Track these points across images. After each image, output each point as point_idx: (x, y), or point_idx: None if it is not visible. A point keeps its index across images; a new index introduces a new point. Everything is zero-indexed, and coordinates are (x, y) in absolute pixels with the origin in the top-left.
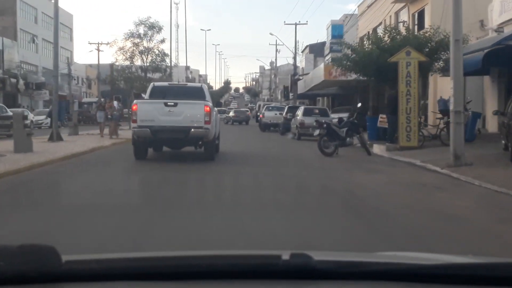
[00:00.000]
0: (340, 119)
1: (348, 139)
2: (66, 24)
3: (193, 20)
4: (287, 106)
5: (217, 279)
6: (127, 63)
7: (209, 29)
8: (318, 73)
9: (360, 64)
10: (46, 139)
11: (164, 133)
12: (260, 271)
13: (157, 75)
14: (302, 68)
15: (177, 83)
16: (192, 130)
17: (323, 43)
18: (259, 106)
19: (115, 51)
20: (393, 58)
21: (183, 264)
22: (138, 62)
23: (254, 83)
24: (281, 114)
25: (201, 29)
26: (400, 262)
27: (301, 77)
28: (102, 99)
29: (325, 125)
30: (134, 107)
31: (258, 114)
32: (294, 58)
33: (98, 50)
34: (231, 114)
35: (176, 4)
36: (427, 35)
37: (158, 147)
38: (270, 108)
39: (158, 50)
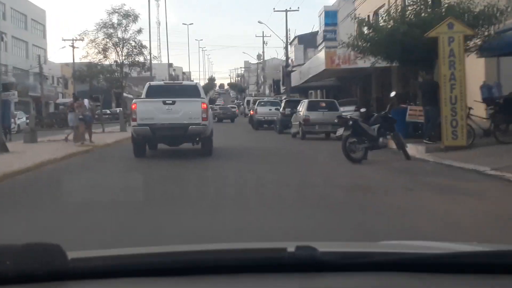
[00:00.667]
0: (368, 114)
1: (381, 139)
2: (38, 21)
3: (175, 17)
4: (284, 100)
5: (223, 273)
6: (100, 57)
7: (191, 23)
8: (316, 62)
9: (382, 44)
10: None
11: (164, 130)
12: (266, 264)
13: (134, 72)
14: (292, 60)
15: (172, 81)
16: (191, 127)
17: (315, 33)
18: (248, 101)
19: (85, 44)
20: (432, 32)
21: (188, 259)
22: (112, 56)
23: (239, 78)
24: (277, 109)
25: (183, 23)
26: (406, 252)
27: (294, 69)
28: (69, 100)
29: (351, 123)
30: (133, 106)
31: (248, 110)
32: (286, 47)
33: (73, 47)
34: (217, 110)
35: (157, 0)
36: (461, 6)
37: (153, 145)
38: (263, 103)
39: (135, 42)
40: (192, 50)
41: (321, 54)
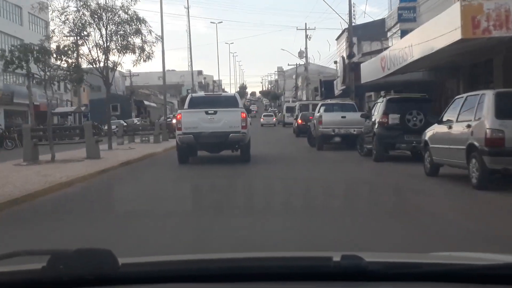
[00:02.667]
0: None
1: None
2: (39, 16)
3: (203, 25)
4: (384, 100)
5: (269, 281)
6: (73, 38)
7: (221, 22)
8: (432, 33)
9: None
10: None
11: (206, 138)
12: (311, 272)
13: (129, 60)
14: (342, 56)
15: (212, 93)
16: (231, 134)
17: (370, 24)
18: (289, 108)
19: (50, 17)
20: None
21: (235, 266)
22: (94, 36)
23: (271, 86)
24: (364, 116)
25: (211, 22)
26: (454, 263)
27: (361, 59)
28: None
29: None
30: (178, 116)
31: (293, 118)
32: (349, 29)
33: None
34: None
35: (186, 8)
36: None
37: (195, 152)
38: (329, 107)
39: (127, 13)
40: (223, 59)
41: (456, 7)
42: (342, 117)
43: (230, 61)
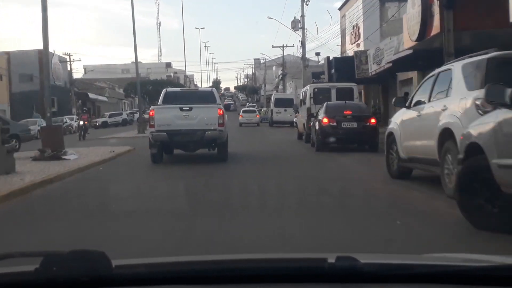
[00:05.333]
0: None
1: None
2: None
3: (176, 22)
4: None
5: (263, 283)
6: None
7: None
8: None
9: None
10: None
11: (180, 136)
12: (306, 274)
13: None
14: (357, 25)
15: (188, 88)
16: (207, 132)
17: None
18: (280, 101)
19: None
20: None
21: (229, 268)
22: None
23: (247, 80)
24: None
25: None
26: (448, 264)
27: None
28: None
29: None
30: (151, 113)
31: (312, 117)
32: None
33: None
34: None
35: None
36: None
37: (169, 151)
38: None
39: None
40: (194, 53)
41: None
42: None
43: (202, 51)
